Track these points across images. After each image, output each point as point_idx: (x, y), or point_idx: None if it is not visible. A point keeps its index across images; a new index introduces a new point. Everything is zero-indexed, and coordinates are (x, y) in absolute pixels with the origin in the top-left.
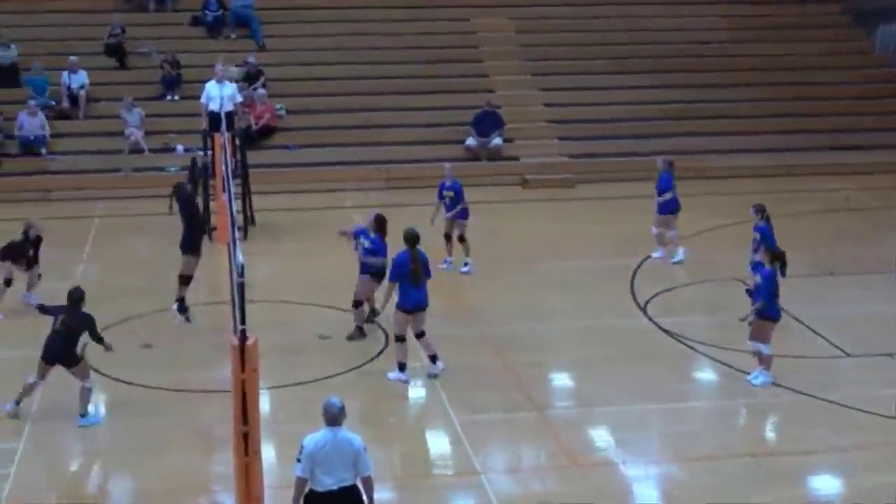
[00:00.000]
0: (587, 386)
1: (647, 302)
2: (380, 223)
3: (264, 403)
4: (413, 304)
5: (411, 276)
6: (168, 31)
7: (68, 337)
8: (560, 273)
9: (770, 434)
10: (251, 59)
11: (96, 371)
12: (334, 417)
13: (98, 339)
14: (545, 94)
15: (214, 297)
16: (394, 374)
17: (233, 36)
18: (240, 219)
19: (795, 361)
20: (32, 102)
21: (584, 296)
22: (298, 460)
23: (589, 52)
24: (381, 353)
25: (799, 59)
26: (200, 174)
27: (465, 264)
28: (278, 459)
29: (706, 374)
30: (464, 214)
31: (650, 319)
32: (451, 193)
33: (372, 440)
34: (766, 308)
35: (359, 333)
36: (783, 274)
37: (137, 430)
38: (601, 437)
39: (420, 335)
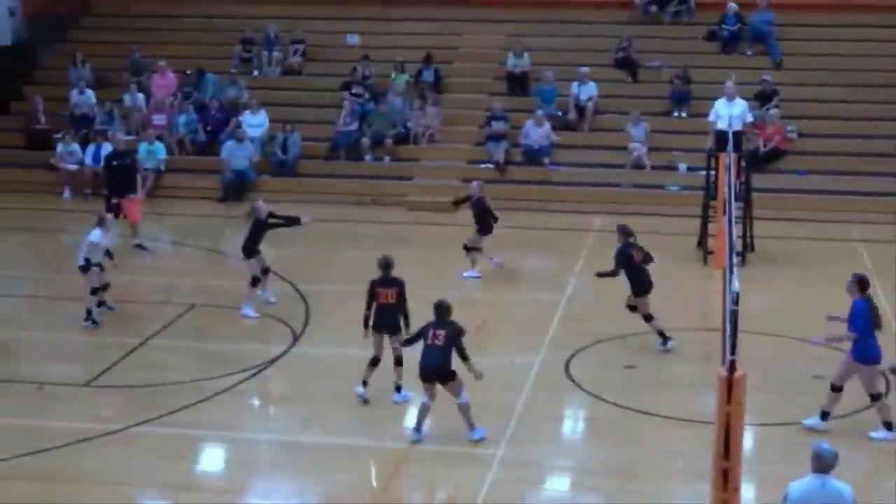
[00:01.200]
0: None
1: None
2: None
3: (748, 440)
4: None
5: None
6: (681, 46)
7: (445, 351)
8: None
9: None
10: (766, 77)
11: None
12: (827, 465)
13: (463, 356)
14: None
15: (704, 324)
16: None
17: (748, 52)
18: (739, 244)
19: None
20: (539, 112)
21: None
22: None
23: None
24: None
25: None
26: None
27: None
28: (756, 500)
29: None
30: None
31: None
32: None
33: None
34: None
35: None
36: None
37: (611, 452)
38: None
39: None
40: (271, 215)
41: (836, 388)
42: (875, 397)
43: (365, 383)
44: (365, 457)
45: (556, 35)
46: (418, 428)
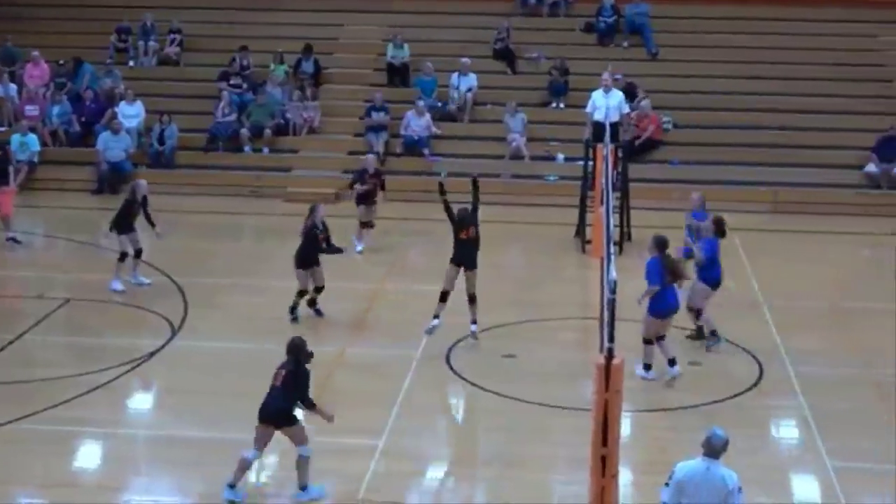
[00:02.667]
0: None
1: None
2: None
3: (625, 426)
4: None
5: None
6: (558, 37)
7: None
8: None
9: None
10: (618, 75)
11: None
12: (715, 450)
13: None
14: None
15: (583, 313)
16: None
17: (625, 44)
18: (616, 233)
19: None
20: (420, 103)
21: None
22: (666, 484)
23: None
24: (754, 385)
25: None
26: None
27: None
28: (635, 486)
29: None
30: None
31: None
32: None
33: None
34: None
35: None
36: None
37: (493, 441)
38: None
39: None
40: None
41: (647, 342)
42: (647, 341)
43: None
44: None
45: (435, 26)
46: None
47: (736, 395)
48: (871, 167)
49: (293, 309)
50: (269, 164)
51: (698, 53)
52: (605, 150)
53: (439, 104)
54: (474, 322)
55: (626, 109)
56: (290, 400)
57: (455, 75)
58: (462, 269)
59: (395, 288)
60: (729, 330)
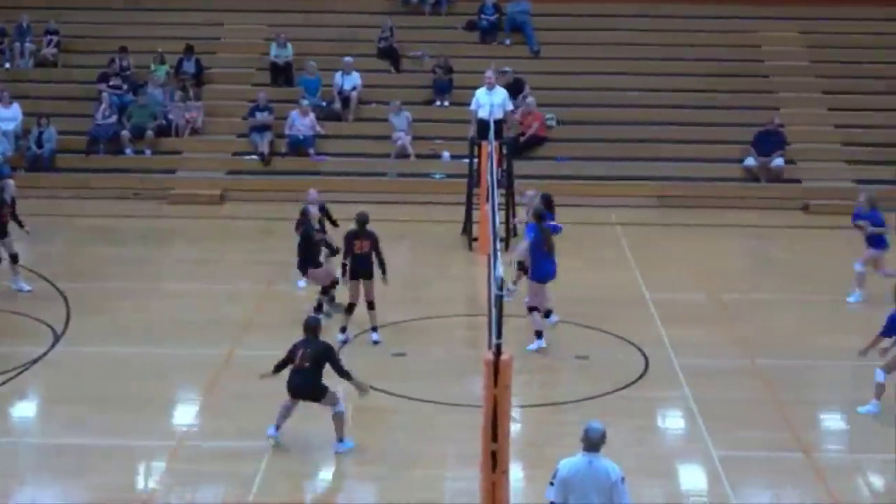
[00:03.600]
0: (862, 430)
1: None
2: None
3: (515, 422)
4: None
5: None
6: (441, 35)
7: (313, 371)
8: (841, 307)
9: None
10: (507, 69)
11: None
12: (594, 444)
13: (342, 373)
14: (835, 114)
15: (471, 310)
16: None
17: (507, 42)
18: (502, 230)
19: None
20: (305, 102)
21: (866, 333)
22: (551, 483)
23: (884, 71)
24: (640, 377)
25: None
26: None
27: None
28: (526, 480)
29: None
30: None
31: None
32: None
33: (624, 469)
34: None
35: None
36: None
37: (384, 440)
38: (873, 485)
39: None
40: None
41: (532, 309)
42: (530, 309)
43: (343, 329)
44: (132, 457)
45: (318, 25)
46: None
47: (622, 388)
48: (750, 161)
49: (319, 308)
50: (152, 165)
51: (580, 51)
52: (490, 147)
53: (324, 103)
54: (374, 329)
55: (510, 107)
56: (320, 375)
57: (339, 74)
58: (360, 280)
59: (283, 289)
60: (615, 323)
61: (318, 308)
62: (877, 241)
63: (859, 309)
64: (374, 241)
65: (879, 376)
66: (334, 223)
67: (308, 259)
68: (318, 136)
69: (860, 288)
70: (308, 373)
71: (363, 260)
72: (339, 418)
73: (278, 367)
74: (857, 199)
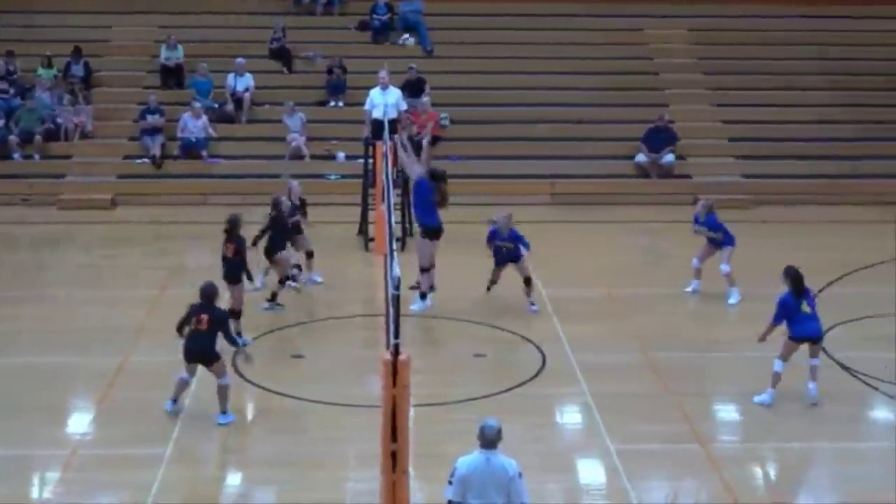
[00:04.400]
0: (756, 420)
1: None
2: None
3: (414, 421)
4: None
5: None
6: (333, 36)
7: (210, 335)
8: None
9: None
10: (413, 66)
11: (247, 380)
12: (491, 441)
13: (231, 341)
14: (722, 109)
15: (369, 310)
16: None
17: (400, 41)
18: (398, 230)
19: None
20: (197, 104)
21: (758, 325)
22: (450, 482)
23: (769, 67)
24: (537, 374)
25: None
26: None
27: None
28: (426, 480)
29: (884, 413)
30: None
31: (827, 354)
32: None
33: (523, 466)
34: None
35: None
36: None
37: (283, 442)
38: (768, 475)
39: None
40: None
41: (424, 270)
42: (424, 270)
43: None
44: (25, 466)
45: (209, 26)
46: (175, 399)
47: (520, 385)
48: (641, 157)
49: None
50: (41, 170)
51: (473, 50)
52: (385, 147)
53: (216, 105)
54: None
55: (404, 107)
56: (214, 341)
57: (231, 76)
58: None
59: (177, 293)
60: (511, 321)
61: (284, 280)
62: (720, 243)
63: (746, 302)
64: (240, 245)
65: (777, 366)
66: (305, 216)
67: (277, 244)
68: (210, 139)
69: (698, 279)
70: (205, 336)
71: (231, 263)
72: (224, 391)
73: (180, 326)
74: (695, 206)
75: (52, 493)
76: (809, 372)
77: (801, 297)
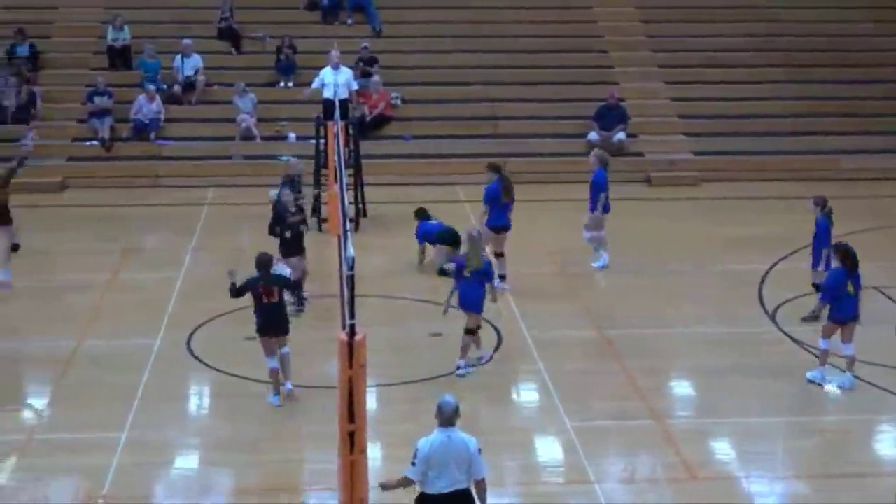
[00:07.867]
0: (709, 396)
1: (776, 309)
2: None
3: (371, 401)
4: None
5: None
6: (282, 16)
7: (279, 305)
8: (684, 276)
9: None
10: (366, 44)
11: (203, 363)
12: (448, 418)
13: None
14: (672, 87)
15: (324, 290)
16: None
17: (349, 21)
18: (351, 210)
19: None
20: (151, 87)
21: (709, 301)
22: (413, 464)
23: (719, 44)
24: (493, 352)
25: None
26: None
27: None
28: (384, 459)
29: (835, 386)
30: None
31: (779, 328)
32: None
33: (481, 443)
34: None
35: None
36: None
37: (240, 425)
38: (722, 449)
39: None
40: None
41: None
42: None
43: None
44: None
45: (156, 7)
46: (277, 392)
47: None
48: (593, 135)
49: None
50: None
51: (422, 29)
52: (336, 127)
53: (164, 86)
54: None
55: (355, 86)
56: (285, 308)
57: (178, 57)
58: None
59: (130, 276)
60: None
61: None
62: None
63: (692, 277)
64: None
65: (823, 344)
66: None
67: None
68: (161, 121)
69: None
70: (278, 307)
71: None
72: (288, 359)
73: (239, 292)
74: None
75: (8, 479)
76: (846, 363)
77: (851, 277)
